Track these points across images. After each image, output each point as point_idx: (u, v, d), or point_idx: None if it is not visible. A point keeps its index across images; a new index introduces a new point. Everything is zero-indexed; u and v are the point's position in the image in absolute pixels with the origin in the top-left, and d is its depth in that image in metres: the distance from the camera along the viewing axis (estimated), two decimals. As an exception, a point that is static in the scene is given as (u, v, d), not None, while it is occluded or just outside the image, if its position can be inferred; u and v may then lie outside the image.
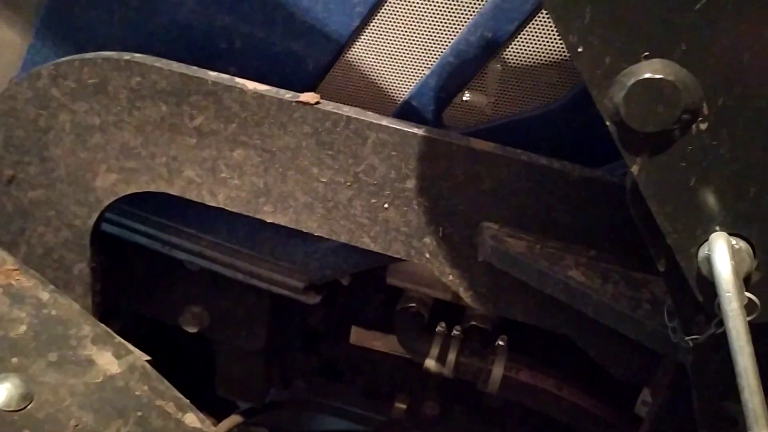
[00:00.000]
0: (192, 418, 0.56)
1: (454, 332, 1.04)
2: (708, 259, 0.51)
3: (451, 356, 1.01)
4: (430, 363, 1.02)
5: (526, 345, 1.06)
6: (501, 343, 1.02)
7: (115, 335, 0.58)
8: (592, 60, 0.49)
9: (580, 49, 0.49)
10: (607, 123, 0.51)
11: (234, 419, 1.35)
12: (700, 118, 0.49)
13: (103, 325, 0.58)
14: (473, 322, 1.08)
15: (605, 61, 0.49)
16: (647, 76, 0.48)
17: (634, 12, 0.47)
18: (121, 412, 0.52)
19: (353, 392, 1.39)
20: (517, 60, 0.81)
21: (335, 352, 1.34)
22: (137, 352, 0.66)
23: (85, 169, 0.88)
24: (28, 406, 0.49)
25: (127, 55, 0.81)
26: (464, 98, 0.85)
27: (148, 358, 0.68)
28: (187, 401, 0.58)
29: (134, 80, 0.81)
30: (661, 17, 0.47)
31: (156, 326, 1.23)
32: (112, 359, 0.55)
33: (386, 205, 0.81)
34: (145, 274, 1.13)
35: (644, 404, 1.03)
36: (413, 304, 1.09)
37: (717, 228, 0.52)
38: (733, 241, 0.51)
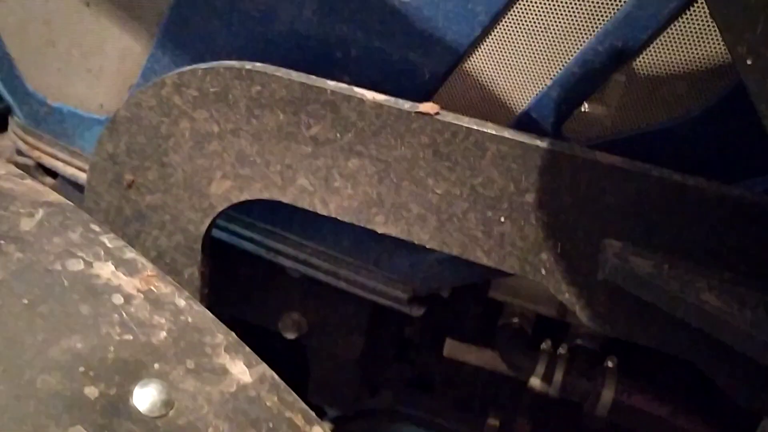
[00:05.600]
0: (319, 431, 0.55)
1: (560, 351, 1.01)
2: None
3: (558, 376, 0.97)
4: (535, 381, 0.99)
5: (633, 368, 1.02)
6: (611, 364, 0.98)
7: (245, 345, 0.58)
8: (763, 72, 0.46)
9: (749, 62, 0.46)
10: (775, 139, 0.47)
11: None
12: None
13: (234, 334, 0.58)
14: (579, 341, 1.04)
15: (777, 73, 0.46)
16: (826, 89, 0.45)
17: (814, 21, 0.44)
18: (253, 423, 0.52)
19: (444, 405, 1.37)
20: (645, 70, 0.77)
21: (428, 363, 1.33)
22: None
23: (201, 176, 0.89)
24: (170, 413, 0.49)
25: (248, 65, 0.82)
26: (584, 109, 0.82)
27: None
28: (314, 414, 0.57)
29: (254, 89, 0.82)
30: None
31: (250, 331, 1.25)
32: (244, 368, 0.55)
33: (503, 219, 0.79)
34: (247, 279, 1.15)
35: (765, 436, 0.96)
36: (516, 320, 1.06)
37: None
38: None
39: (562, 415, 1.28)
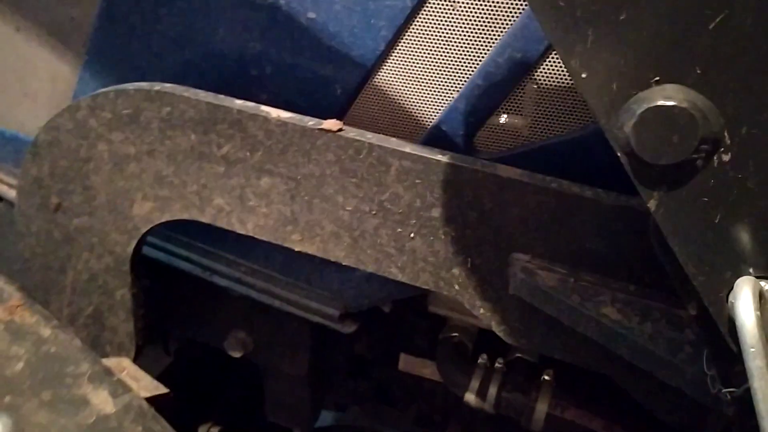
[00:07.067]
0: (187, 460, 0.54)
1: (497, 365, 0.99)
2: (737, 307, 0.45)
3: (492, 390, 0.96)
4: (470, 397, 0.97)
5: (575, 380, 1.00)
6: (546, 378, 0.96)
7: (116, 373, 0.57)
8: (598, 86, 0.45)
9: (583, 75, 0.45)
10: (618, 154, 0.46)
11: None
12: (722, 149, 0.44)
13: (104, 361, 0.57)
14: (518, 354, 1.03)
15: (612, 87, 0.45)
16: (659, 103, 0.43)
17: (642, 33, 0.43)
18: (111, 454, 0.51)
19: (406, 419, 1.35)
20: (550, 81, 0.76)
21: (386, 377, 1.31)
22: (149, 383, 0.65)
23: (123, 197, 0.89)
24: (16, 447, 0.49)
25: (157, 86, 0.82)
26: (499, 121, 0.81)
27: (166, 391, 0.68)
28: (184, 443, 0.56)
29: (164, 110, 0.82)
30: (672, 38, 0.42)
31: (212, 349, 1.24)
32: (108, 398, 0.54)
33: (412, 235, 0.78)
34: (191, 298, 1.14)
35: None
36: (456, 334, 1.05)
37: (750, 270, 0.46)
38: (766, 285, 0.45)
39: (521, 427, 1.27)
